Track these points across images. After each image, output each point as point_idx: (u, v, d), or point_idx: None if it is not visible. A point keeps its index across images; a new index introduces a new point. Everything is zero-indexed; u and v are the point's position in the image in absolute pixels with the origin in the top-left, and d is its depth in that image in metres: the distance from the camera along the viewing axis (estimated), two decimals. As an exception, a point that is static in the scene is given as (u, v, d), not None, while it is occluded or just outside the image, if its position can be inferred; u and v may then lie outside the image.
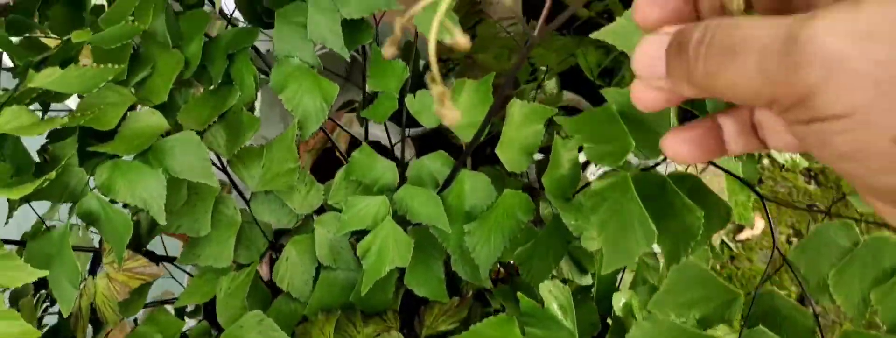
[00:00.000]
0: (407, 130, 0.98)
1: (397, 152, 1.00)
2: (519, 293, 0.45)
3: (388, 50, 0.24)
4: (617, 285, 0.59)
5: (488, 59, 0.90)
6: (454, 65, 1.16)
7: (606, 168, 0.46)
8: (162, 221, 0.52)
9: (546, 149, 0.68)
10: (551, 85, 1.19)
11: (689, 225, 0.39)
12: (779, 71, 0.20)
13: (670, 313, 0.40)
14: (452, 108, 0.23)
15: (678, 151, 0.28)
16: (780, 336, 0.39)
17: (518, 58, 0.95)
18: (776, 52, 0.20)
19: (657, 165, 0.57)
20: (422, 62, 1.28)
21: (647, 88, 0.27)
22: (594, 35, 0.45)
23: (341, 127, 0.75)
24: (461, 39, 0.23)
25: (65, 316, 0.51)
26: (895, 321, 0.41)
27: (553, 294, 0.45)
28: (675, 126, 0.46)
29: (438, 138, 1.21)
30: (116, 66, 0.49)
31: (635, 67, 0.26)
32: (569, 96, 1.22)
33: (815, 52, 0.19)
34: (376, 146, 1.16)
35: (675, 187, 0.40)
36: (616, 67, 1.04)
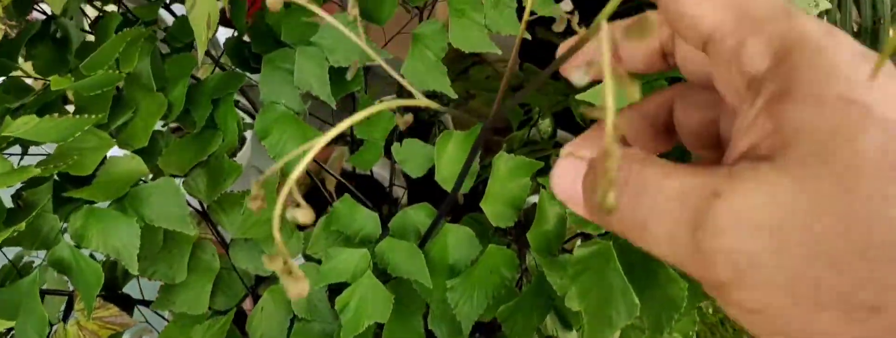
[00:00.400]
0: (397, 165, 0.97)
1: (387, 185, 0.99)
2: (497, 359, 0.44)
3: (253, 204, 0.24)
4: (601, 344, 0.57)
5: (478, 106, 0.89)
6: (448, 102, 1.16)
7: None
8: (134, 271, 0.51)
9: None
10: (546, 124, 1.18)
11: (673, 297, 0.38)
12: (689, 263, 0.19)
13: (650, 392, 0.39)
14: (301, 279, 0.22)
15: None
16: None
17: (507, 104, 0.95)
18: (684, 244, 0.18)
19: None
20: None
21: None
22: (580, 97, 0.45)
23: (326, 170, 0.74)
24: (302, 215, 0.22)
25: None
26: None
27: (533, 359, 0.44)
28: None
29: (430, 176, 1.21)
30: (94, 117, 0.48)
31: (554, 191, 0.24)
32: (563, 135, 1.22)
33: (723, 254, 0.18)
34: (367, 180, 1.15)
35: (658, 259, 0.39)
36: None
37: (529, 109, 1.11)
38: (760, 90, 0.19)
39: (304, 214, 0.23)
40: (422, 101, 0.32)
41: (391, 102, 0.28)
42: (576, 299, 0.39)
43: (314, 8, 0.30)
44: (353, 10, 0.35)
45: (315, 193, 1.10)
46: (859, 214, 0.16)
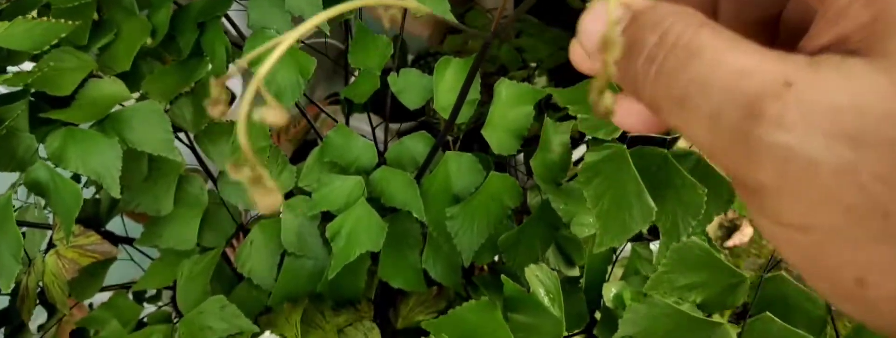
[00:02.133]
0: (392, 124, 0.94)
1: (379, 142, 0.97)
2: (503, 277, 0.41)
3: (214, 110, 0.21)
4: (607, 277, 0.55)
5: (477, 46, 0.86)
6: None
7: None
8: (116, 195, 0.48)
9: (529, 140, 0.64)
10: (542, 82, 1.16)
11: (690, 202, 0.36)
12: (727, 153, 0.16)
13: (668, 297, 0.36)
14: (273, 190, 0.19)
15: (624, 119, 0.22)
16: (789, 325, 0.35)
17: (499, 41, 0.91)
18: (729, 130, 0.15)
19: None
20: (409, 57, 1.24)
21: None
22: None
23: (325, 112, 0.71)
24: (271, 115, 0.19)
25: (6, 292, 0.47)
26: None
27: (540, 279, 0.42)
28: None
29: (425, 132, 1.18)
30: (71, 23, 0.45)
31: (582, 41, 0.20)
32: (559, 95, 1.20)
33: (777, 150, 0.15)
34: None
35: (676, 163, 0.37)
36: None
37: (525, 62, 1.08)
38: None
39: (274, 114, 0.20)
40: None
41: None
42: (589, 203, 0.37)
43: None
44: None
45: (311, 144, 1.07)
46: None
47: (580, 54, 0.21)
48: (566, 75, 1.17)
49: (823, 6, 0.17)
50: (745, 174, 0.16)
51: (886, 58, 0.14)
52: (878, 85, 0.14)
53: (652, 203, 0.34)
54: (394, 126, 1.11)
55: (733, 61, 0.16)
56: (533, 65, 1.07)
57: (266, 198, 0.20)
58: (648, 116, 0.21)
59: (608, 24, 0.18)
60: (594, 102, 0.18)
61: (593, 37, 0.20)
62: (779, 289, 0.38)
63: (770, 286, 0.38)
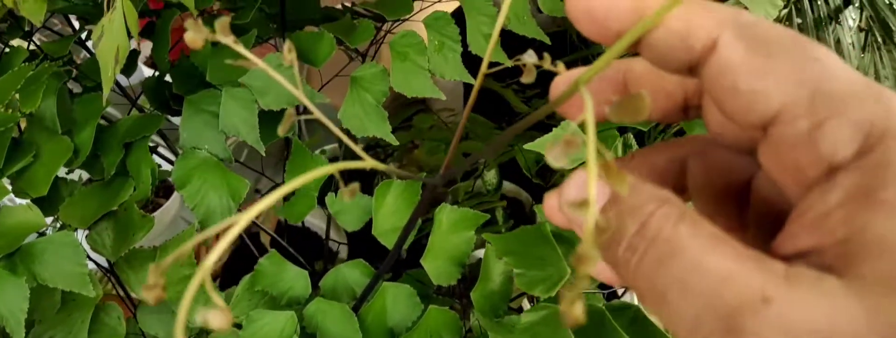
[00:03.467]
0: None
1: (324, 234, 0.94)
2: None
3: (149, 295, 0.18)
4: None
5: (422, 155, 0.85)
6: (392, 151, 1.12)
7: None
8: (19, 340, 0.44)
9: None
10: (491, 175, 1.15)
11: (632, 370, 0.34)
12: None
13: None
14: None
15: (602, 273, 0.22)
16: None
17: (447, 158, 0.91)
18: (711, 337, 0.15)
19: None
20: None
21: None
22: (527, 146, 0.41)
23: (257, 225, 0.68)
24: (216, 319, 0.17)
25: None
26: None
27: None
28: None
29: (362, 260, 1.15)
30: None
31: (565, 210, 0.19)
32: (509, 187, 1.19)
33: None
34: (303, 232, 1.09)
35: (614, 323, 0.35)
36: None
37: (476, 161, 1.08)
38: (837, 181, 0.16)
39: (219, 319, 0.17)
40: (367, 162, 0.26)
41: (331, 167, 0.23)
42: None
43: (241, 49, 0.25)
44: (289, 55, 0.30)
45: (247, 246, 1.03)
46: None
47: (555, 210, 0.21)
48: (517, 169, 1.17)
49: (800, 207, 0.17)
50: None
51: (859, 280, 0.14)
52: (851, 309, 0.14)
53: (593, 376, 0.32)
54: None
55: (713, 267, 0.16)
56: (482, 160, 1.06)
57: None
58: None
59: (587, 236, 0.16)
60: (564, 311, 0.16)
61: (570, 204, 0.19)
62: None
63: None
